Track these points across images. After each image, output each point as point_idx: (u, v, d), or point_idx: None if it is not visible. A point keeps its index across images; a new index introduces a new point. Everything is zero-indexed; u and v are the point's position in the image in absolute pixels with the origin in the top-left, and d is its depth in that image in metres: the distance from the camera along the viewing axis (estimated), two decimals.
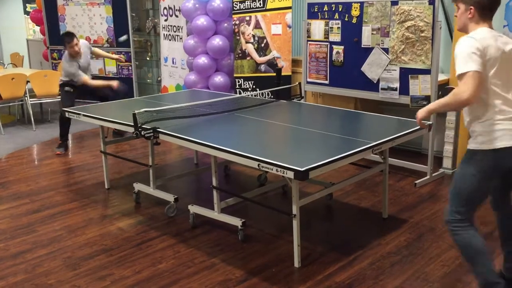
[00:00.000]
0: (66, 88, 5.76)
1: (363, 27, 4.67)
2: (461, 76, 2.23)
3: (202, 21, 5.78)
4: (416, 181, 4.38)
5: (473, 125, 2.39)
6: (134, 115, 3.40)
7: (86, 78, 5.69)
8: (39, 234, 3.55)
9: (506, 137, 2.30)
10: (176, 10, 6.58)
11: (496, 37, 2.36)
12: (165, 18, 6.79)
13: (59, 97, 6.65)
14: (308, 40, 5.18)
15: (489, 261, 2.45)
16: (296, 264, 3.04)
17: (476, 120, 2.37)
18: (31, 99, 6.79)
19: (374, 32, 4.57)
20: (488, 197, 2.53)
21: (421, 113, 2.50)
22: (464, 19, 2.42)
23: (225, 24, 5.92)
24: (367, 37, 4.65)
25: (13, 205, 4.10)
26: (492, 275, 2.43)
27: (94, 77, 6.04)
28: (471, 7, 2.37)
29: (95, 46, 8.06)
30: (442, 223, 3.56)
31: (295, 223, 2.97)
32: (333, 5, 4.86)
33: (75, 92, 5.78)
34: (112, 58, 6.47)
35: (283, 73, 5.21)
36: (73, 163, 5.23)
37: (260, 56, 5.73)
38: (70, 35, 5.60)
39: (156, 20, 7.85)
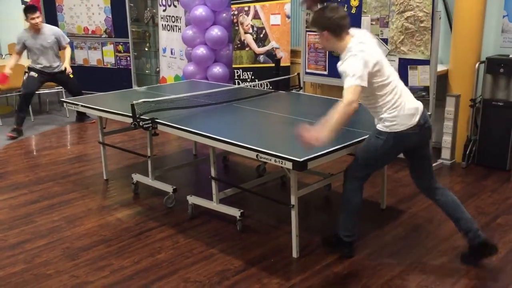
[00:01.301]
0: (31, 73, 6.05)
1: (363, 17, 4.65)
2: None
3: (200, 11, 5.74)
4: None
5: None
6: (132, 105, 3.39)
7: (16, 52, 6.05)
8: (38, 224, 3.56)
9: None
10: (175, 0, 6.54)
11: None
12: (164, 8, 6.75)
13: (57, 88, 6.73)
14: (307, 31, 5.15)
15: (354, 217, 2.93)
16: (295, 254, 3.05)
17: None
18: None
19: (374, 23, 4.55)
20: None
21: (323, 138, 2.57)
22: (327, 44, 2.78)
23: (224, 15, 5.88)
24: (366, 28, 4.63)
25: (11, 196, 4.10)
26: (352, 226, 2.94)
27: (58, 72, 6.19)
28: (324, 32, 2.71)
29: (94, 37, 8.05)
30: (439, 214, 3.57)
31: (294, 214, 2.97)
32: None
33: (40, 77, 6.07)
34: (66, 67, 6.30)
35: (282, 64, 5.20)
36: (71, 154, 5.23)
37: (259, 46, 5.71)
38: (34, 8, 5.93)
39: (154, 10, 7.80)
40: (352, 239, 2.99)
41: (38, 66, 6.05)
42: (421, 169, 2.96)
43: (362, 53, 2.61)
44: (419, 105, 2.79)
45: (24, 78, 6.12)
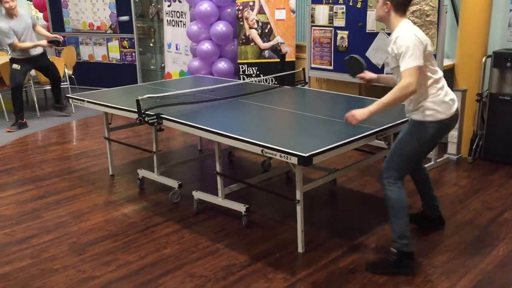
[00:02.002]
0: (14, 66, 6.03)
1: (368, 12, 4.62)
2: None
3: (205, 6, 5.73)
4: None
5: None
6: (137, 101, 3.39)
7: (16, 41, 5.89)
8: (45, 220, 3.58)
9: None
10: None
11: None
12: (168, 3, 6.75)
13: (64, 83, 6.75)
14: (312, 25, 5.14)
15: (408, 217, 2.78)
16: (300, 249, 3.05)
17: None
18: (35, 86, 6.78)
19: None
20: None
21: (361, 115, 2.76)
22: (384, 15, 2.74)
23: (229, 10, 5.87)
24: (371, 22, 4.61)
25: (18, 191, 4.12)
26: (408, 229, 2.78)
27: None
28: (387, 1, 2.69)
29: (99, 32, 8.07)
30: (445, 209, 3.56)
31: (299, 209, 2.97)
32: None
33: (23, 68, 6.06)
34: (50, 37, 6.43)
35: (287, 59, 5.17)
36: (77, 150, 5.25)
37: (264, 41, 5.69)
38: None
39: (159, 6, 7.79)
40: (412, 248, 2.80)
41: (21, 56, 6.00)
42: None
43: (415, 36, 2.60)
44: (454, 95, 2.84)
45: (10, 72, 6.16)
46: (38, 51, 6.18)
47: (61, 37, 6.61)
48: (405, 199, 2.78)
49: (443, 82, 2.77)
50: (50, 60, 6.45)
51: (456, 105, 2.78)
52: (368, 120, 2.85)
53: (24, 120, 6.12)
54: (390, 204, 2.78)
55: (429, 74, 2.69)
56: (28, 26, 6.04)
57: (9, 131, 5.88)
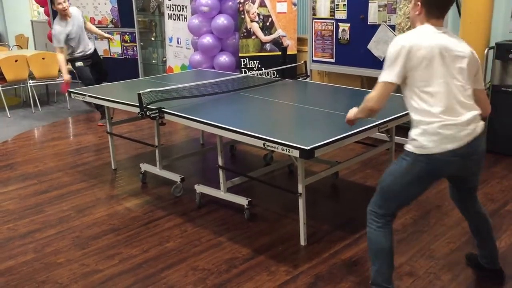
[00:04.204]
0: (77, 64, 5.77)
1: (370, 4, 4.61)
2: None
3: None
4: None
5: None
6: (139, 95, 3.39)
7: (61, 49, 5.60)
8: (48, 214, 3.59)
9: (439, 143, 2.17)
10: None
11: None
12: None
13: (60, 78, 6.58)
14: (313, 18, 5.12)
15: (386, 264, 2.36)
16: (302, 242, 3.05)
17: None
18: (35, 81, 6.78)
19: (381, 9, 4.50)
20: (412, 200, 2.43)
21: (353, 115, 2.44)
22: (414, 17, 2.28)
23: (230, 3, 5.85)
24: (373, 14, 4.59)
25: (21, 186, 4.13)
26: (383, 278, 2.36)
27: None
28: (418, 2, 2.23)
29: (100, 27, 8.04)
30: (448, 201, 3.55)
31: (301, 202, 2.98)
32: None
33: (86, 64, 5.81)
34: (104, 36, 6.44)
35: (288, 52, 5.18)
36: (80, 144, 5.25)
37: (265, 35, 5.68)
38: None
39: (160, 0, 7.77)
40: (384, 284, 2.38)
41: (77, 55, 5.77)
42: (463, 196, 2.52)
43: (408, 42, 2.14)
44: (474, 126, 2.18)
45: (76, 72, 5.91)
46: (92, 49, 5.95)
47: (113, 37, 6.46)
48: (384, 244, 2.33)
49: (448, 109, 2.14)
50: (101, 57, 6.25)
51: (457, 143, 2.14)
52: None
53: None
54: (369, 243, 2.39)
55: (422, 95, 2.16)
56: (82, 25, 5.81)
57: (100, 125, 5.80)
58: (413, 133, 2.21)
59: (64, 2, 5.56)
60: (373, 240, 2.36)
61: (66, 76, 5.64)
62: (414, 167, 2.20)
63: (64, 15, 5.62)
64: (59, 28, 5.58)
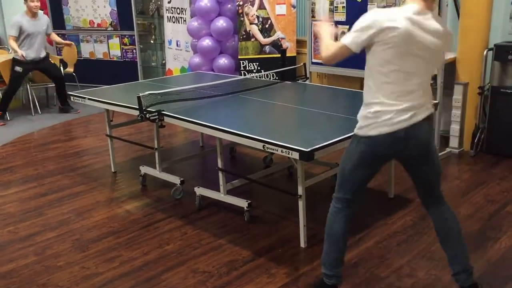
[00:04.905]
0: (17, 68, 6.15)
1: (369, 6, 4.62)
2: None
3: (205, 2, 5.72)
4: None
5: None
6: (138, 98, 3.39)
7: (12, 36, 6.05)
8: (48, 217, 3.59)
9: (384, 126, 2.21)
10: None
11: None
12: (168, 0, 6.74)
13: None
14: (313, 20, 5.13)
15: (336, 250, 2.43)
16: (302, 244, 3.05)
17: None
18: (34, 84, 6.79)
19: None
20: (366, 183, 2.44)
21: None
22: None
23: (229, 5, 5.86)
24: None
25: (21, 189, 4.13)
26: (328, 260, 2.44)
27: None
28: None
29: (99, 30, 8.06)
30: (449, 202, 3.56)
31: (301, 204, 2.98)
32: None
33: (25, 71, 6.22)
34: (65, 44, 6.89)
35: (287, 54, 5.17)
36: (79, 147, 5.26)
37: (264, 37, 5.69)
38: None
39: (159, 2, 7.78)
40: (332, 282, 2.46)
41: (25, 57, 6.12)
42: (420, 183, 2.46)
43: (378, 14, 2.12)
44: (414, 111, 2.20)
45: (10, 74, 6.22)
46: (43, 54, 6.32)
47: (72, 43, 6.82)
48: (335, 229, 2.40)
49: (396, 96, 2.17)
50: (52, 62, 6.53)
51: (395, 127, 2.17)
52: None
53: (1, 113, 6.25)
54: (326, 227, 2.46)
55: (376, 75, 2.18)
56: (41, 31, 6.20)
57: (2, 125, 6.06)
58: (360, 113, 2.29)
59: (38, 1, 6.03)
60: (328, 222, 2.46)
61: (19, 52, 6.02)
62: (358, 148, 2.29)
63: (32, 13, 6.07)
64: (19, 18, 6.08)
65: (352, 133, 2.36)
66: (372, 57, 2.18)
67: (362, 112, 2.28)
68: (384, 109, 2.19)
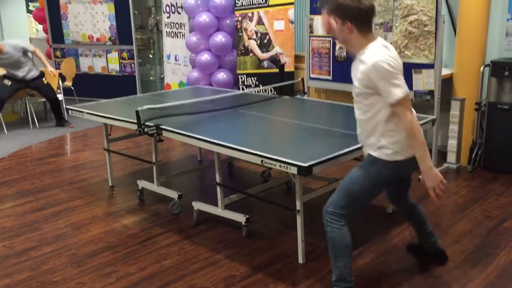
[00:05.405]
0: (5, 81, 6.36)
1: None
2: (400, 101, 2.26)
3: (204, 17, 5.77)
4: (420, 176, 4.35)
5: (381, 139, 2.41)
6: (137, 112, 3.40)
7: None
8: (44, 231, 3.57)
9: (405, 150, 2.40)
10: (179, 7, 6.57)
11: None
12: (168, 15, 6.79)
13: (59, 95, 6.89)
14: (311, 36, 5.16)
15: (350, 259, 2.57)
16: (300, 260, 3.04)
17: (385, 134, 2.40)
18: (33, 98, 6.80)
19: (377, 27, 4.55)
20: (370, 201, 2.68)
21: (434, 178, 2.37)
22: (348, 37, 2.38)
23: (228, 21, 5.90)
24: None
25: (17, 203, 4.11)
26: (348, 272, 2.56)
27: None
28: (347, 21, 2.32)
29: (98, 44, 8.10)
30: (446, 218, 3.55)
31: (299, 219, 2.97)
32: None
33: (13, 86, 6.38)
34: (46, 67, 6.73)
35: (286, 69, 5.20)
36: (77, 161, 5.24)
37: (262, 52, 5.72)
38: None
39: (158, 17, 7.84)
40: (347, 277, 2.58)
41: (13, 75, 6.32)
42: (401, 194, 2.85)
43: (391, 59, 2.26)
44: None
45: None
46: (32, 74, 6.43)
47: (55, 72, 6.80)
48: (347, 239, 2.52)
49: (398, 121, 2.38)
50: (45, 81, 6.59)
51: (413, 150, 2.37)
52: None
53: None
54: (330, 243, 2.55)
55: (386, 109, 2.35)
56: (18, 59, 6.31)
57: None
58: (384, 141, 2.38)
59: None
60: (338, 238, 2.52)
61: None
62: (382, 172, 2.43)
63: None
64: None
65: (367, 154, 2.50)
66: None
67: (388, 138, 2.38)
68: (400, 135, 2.36)
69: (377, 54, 2.28)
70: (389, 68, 2.24)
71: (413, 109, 2.33)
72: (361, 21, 2.31)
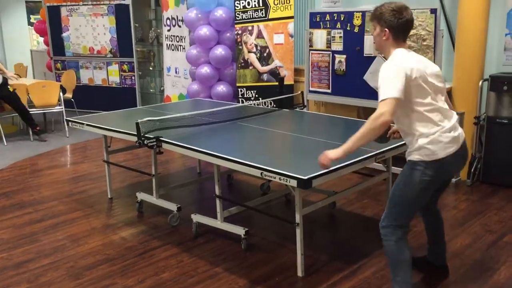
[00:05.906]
0: None
1: (365, 36, 4.69)
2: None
3: (204, 31, 5.81)
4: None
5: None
6: (137, 124, 3.41)
7: None
8: (42, 243, 3.55)
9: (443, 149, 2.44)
10: (179, 20, 6.62)
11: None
12: (168, 28, 6.83)
13: (58, 107, 6.84)
14: (310, 49, 5.20)
15: (408, 273, 2.55)
16: (300, 273, 3.02)
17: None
18: (33, 110, 6.80)
19: None
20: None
21: (335, 154, 2.41)
22: (383, 43, 2.51)
23: (228, 34, 5.94)
24: (369, 46, 4.67)
25: (16, 215, 4.10)
26: (408, 287, 2.55)
27: None
28: (385, 29, 2.47)
29: (99, 56, 8.14)
30: (446, 232, 3.53)
31: (299, 232, 2.96)
32: (335, 15, 4.88)
33: None
34: (7, 75, 6.71)
35: (285, 82, 5.23)
36: (76, 173, 5.24)
37: (262, 65, 5.75)
38: None
39: (159, 30, 7.89)
40: None
41: None
42: (435, 196, 2.81)
43: (402, 62, 2.37)
44: (458, 133, 2.50)
45: None
46: None
47: (17, 76, 6.81)
48: (404, 254, 2.52)
49: (443, 118, 2.44)
50: (11, 90, 6.50)
51: (455, 146, 2.45)
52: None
53: None
54: (389, 257, 2.58)
55: (419, 108, 2.40)
56: None
57: None
58: (420, 142, 2.41)
59: None
60: (395, 252, 2.53)
61: None
62: (426, 173, 2.43)
63: None
64: None
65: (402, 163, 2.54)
66: (411, 98, 2.39)
67: (423, 140, 2.41)
68: (443, 130, 2.42)
69: (396, 57, 2.43)
70: (393, 69, 2.35)
71: (392, 118, 2.31)
72: (397, 31, 2.46)
